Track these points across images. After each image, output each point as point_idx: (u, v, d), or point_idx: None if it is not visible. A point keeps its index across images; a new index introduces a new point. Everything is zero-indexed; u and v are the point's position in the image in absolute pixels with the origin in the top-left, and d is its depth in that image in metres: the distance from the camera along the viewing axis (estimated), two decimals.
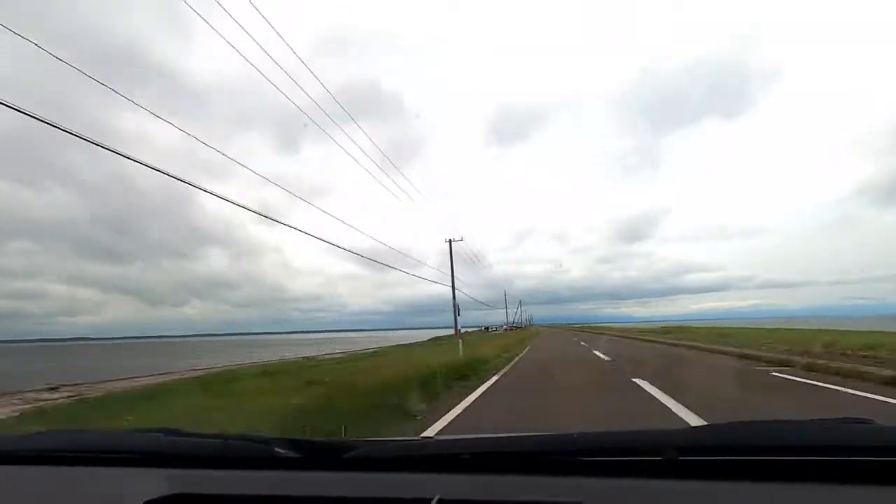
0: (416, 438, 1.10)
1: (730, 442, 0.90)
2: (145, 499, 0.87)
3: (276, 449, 1.00)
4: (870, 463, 0.80)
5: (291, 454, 0.99)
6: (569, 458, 0.93)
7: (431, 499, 0.81)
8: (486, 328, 79.67)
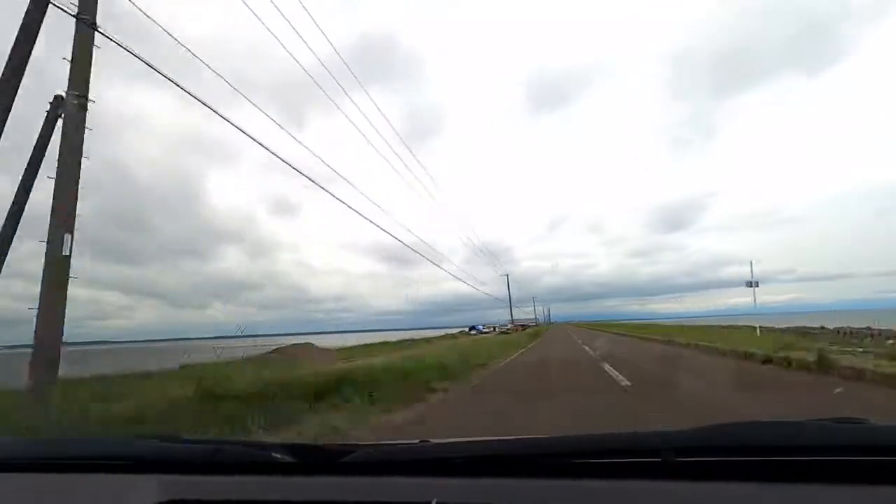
0: (412, 442, 1.12)
1: (727, 442, 0.92)
2: None
3: (272, 454, 1.04)
4: (865, 462, 0.82)
5: (287, 459, 1.03)
6: (566, 460, 0.95)
7: (428, 503, 0.83)
8: (471, 328, 72.04)
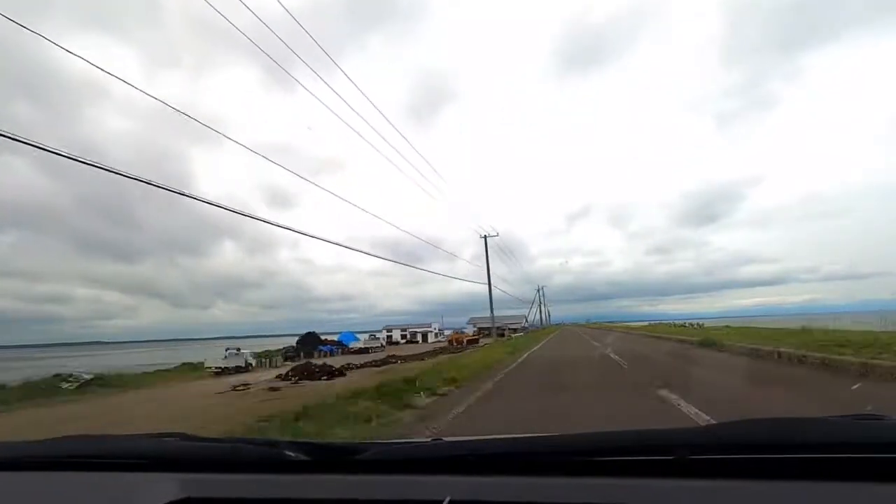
0: (426, 440, 1.16)
1: (741, 440, 0.93)
2: (159, 503, 0.94)
3: (287, 452, 1.07)
4: (885, 459, 0.83)
5: (302, 457, 1.06)
6: (579, 458, 0.98)
7: (442, 500, 0.86)
8: (322, 344, 44.53)
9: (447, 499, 0.86)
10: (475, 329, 56.97)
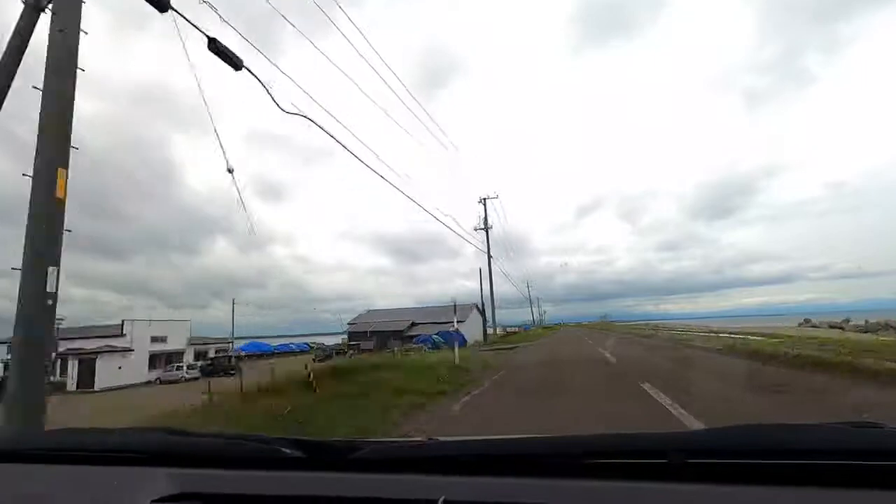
0: (421, 439, 1.16)
1: (737, 445, 0.93)
2: (151, 498, 0.94)
3: (282, 449, 1.07)
4: (881, 467, 0.83)
5: (297, 454, 1.06)
6: (575, 460, 0.98)
7: (436, 500, 0.86)
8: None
9: (441, 498, 0.86)
10: (345, 340, 36.15)
